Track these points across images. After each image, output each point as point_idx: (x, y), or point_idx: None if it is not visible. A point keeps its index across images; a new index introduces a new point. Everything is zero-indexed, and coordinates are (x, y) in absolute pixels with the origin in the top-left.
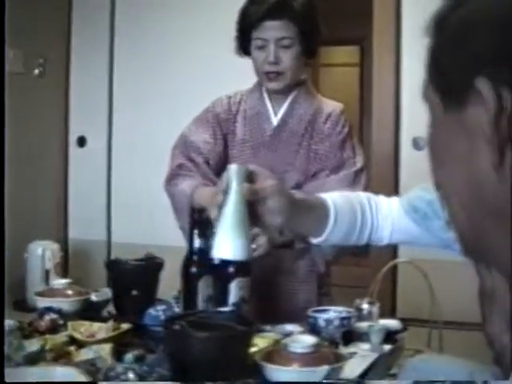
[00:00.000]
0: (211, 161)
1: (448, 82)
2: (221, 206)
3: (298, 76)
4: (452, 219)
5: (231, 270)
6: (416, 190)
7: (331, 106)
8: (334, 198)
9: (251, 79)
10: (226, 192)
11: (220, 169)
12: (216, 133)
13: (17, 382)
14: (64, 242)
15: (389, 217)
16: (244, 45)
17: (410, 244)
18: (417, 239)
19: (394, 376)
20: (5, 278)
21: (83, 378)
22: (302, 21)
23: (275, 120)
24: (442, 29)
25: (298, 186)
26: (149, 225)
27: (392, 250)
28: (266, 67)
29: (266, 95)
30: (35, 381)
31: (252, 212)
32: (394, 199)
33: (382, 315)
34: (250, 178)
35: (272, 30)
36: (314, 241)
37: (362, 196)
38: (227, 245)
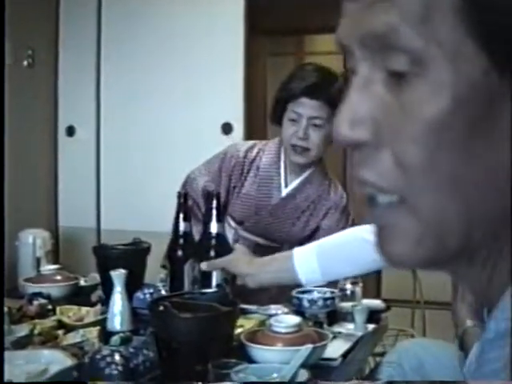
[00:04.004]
0: None
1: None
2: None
3: (321, 154)
4: (432, 215)
5: (212, 253)
6: None
7: (338, 195)
8: (297, 250)
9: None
10: (111, 284)
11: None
12: (224, 185)
13: (17, 382)
14: (55, 230)
15: None
16: (278, 114)
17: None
18: None
19: (379, 355)
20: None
21: (69, 361)
22: (336, 104)
23: (284, 192)
24: None
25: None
26: (137, 211)
27: None
28: (294, 140)
29: (282, 164)
30: (22, 364)
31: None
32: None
33: (368, 296)
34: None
35: (307, 108)
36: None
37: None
38: (117, 320)
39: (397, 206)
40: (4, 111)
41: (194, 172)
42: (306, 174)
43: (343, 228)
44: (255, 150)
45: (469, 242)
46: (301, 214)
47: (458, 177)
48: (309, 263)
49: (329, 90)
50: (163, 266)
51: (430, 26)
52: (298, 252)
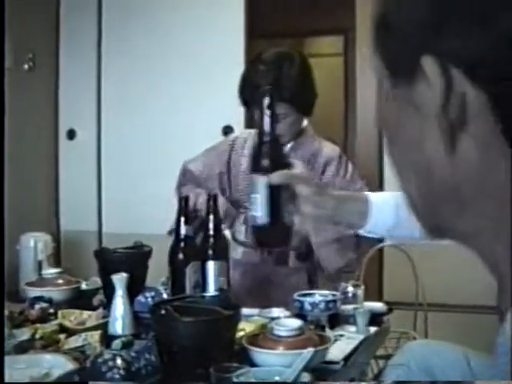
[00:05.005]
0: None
1: (394, 56)
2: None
3: (296, 132)
4: (405, 195)
5: (210, 252)
6: None
7: (330, 149)
8: (373, 194)
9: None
10: (112, 288)
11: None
12: (224, 164)
13: (17, 381)
14: (56, 234)
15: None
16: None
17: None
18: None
19: (381, 358)
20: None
21: (71, 365)
22: (293, 101)
23: None
24: None
25: None
26: (139, 214)
27: None
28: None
29: None
30: (24, 369)
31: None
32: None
33: (369, 299)
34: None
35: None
36: (360, 231)
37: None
38: (118, 324)
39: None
40: (4, 115)
41: (189, 160)
42: (292, 142)
43: (344, 176)
44: (246, 134)
45: (438, 217)
46: None
47: (405, 165)
48: (385, 212)
49: (283, 91)
50: (169, 233)
51: None
52: (374, 198)
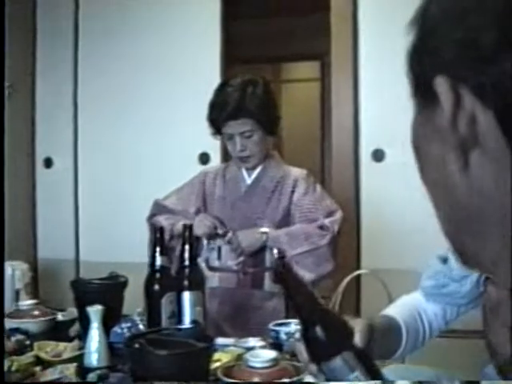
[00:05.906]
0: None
1: (417, 79)
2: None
3: (264, 153)
4: (437, 219)
5: (185, 283)
6: (423, 277)
7: (298, 171)
8: (403, 313)
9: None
10: (88, 319)
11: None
12: (198, 198)
13: (17, 382)
14: (33, 262)
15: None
16: (216, 133)
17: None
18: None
19: None
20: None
21: None
22: (257, 116)
23: (249, 180)
24: (418, 21)
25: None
26: (116, 242)
27: (355, 260)
28: (236, 153)
29: (242, 167)
30: None
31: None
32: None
33: None
34: None
35: (234, 127)
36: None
37: (415, 300)
38: (94, 356)
39: None
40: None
41: (162, 198)
42: (261, 166)
43: (313, 194)
44: (217, 167)
45: (462, 244)
46: (271, 194)
47: (433, 189)
48: (411, 334)
49: (248, 108)
50: None
51: None
52: (406, 328)
